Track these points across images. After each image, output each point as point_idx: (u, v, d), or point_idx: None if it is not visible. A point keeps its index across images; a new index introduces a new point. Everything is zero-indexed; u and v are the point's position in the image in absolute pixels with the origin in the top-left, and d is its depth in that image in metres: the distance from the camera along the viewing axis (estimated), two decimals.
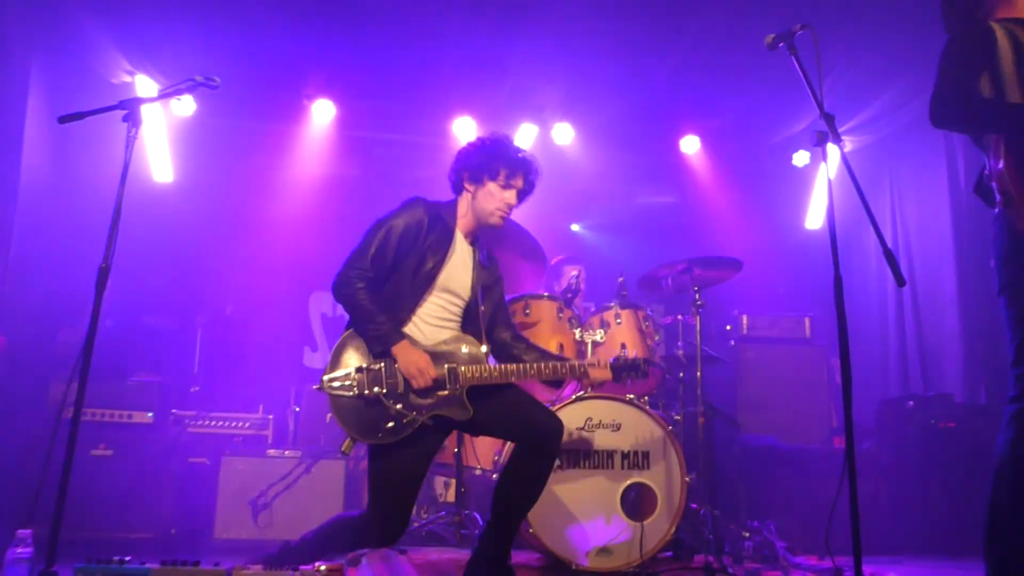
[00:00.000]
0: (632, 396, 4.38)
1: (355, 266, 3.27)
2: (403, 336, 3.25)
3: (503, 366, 3.35)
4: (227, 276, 7.06)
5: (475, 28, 5.76)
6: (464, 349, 3.35)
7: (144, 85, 6.21)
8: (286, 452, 5.27)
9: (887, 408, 5.98)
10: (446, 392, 3.27)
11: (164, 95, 3.46)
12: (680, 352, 5.12)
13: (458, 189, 3.54)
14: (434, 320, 3.38)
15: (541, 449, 3.29)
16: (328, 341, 7.34)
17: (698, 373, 4.68)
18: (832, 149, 7.01)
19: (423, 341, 3.32)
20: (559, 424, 3.32)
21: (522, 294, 4.61)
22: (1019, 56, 2.83)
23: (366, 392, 3.19)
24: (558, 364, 3.46)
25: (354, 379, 3.20)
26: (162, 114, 6.58)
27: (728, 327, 6.46)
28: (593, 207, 7.60)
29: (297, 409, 6.17)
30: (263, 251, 7.10)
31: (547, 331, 4.49)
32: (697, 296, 4.74)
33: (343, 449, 3.22)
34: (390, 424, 3.18)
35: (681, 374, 5.14)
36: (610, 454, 4.18)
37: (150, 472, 5.00)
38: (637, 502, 4.21)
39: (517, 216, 4.56)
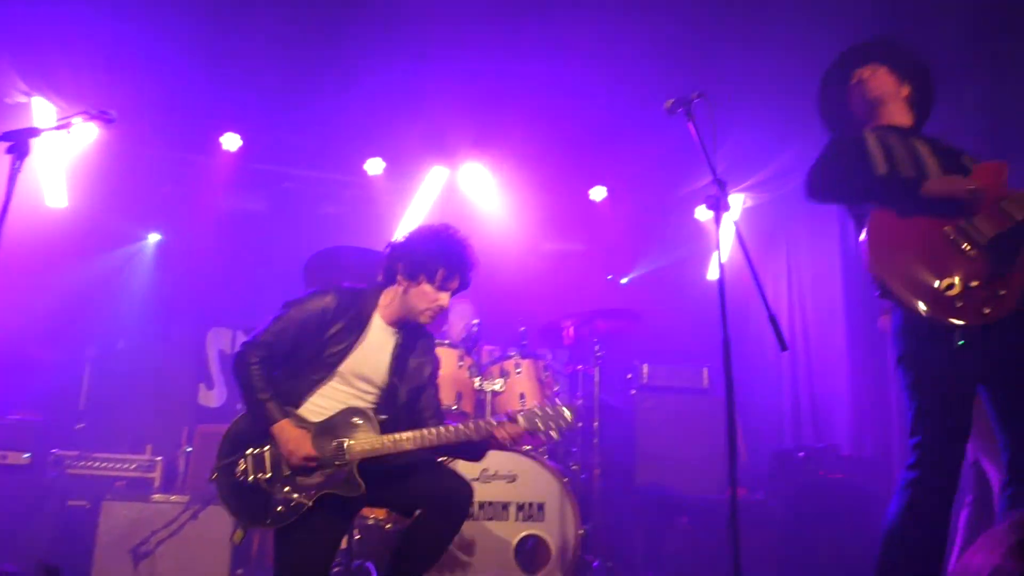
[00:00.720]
0: (529, 447, 4.38)
1: (253, 347, 3.22)
2: (284, 416, 3.16)
3: (396, 436, 3.20)
4: (121, 308, 6.82)
5: (387, 67, 5.74)
6: (357, 422, 3.24)
7: (41, 108, 5.99)
8: (172, 497, 5.04)
9: (779, 459, 6.12)
10: (333, 469, 3.17)
11: (56, 127, 3.33)
12: (579, 402, 5.16)
13: (389, 279, 3.44)
14: (337, 403, 3.30)
15: (448, 516, 3.21)
16: (226, 378, 7.13)
17: (595, 424, 4.72)
18: (734, 203, 7.24)
19: (316, 420, 3.24)
20: (468, 491, 3.23)
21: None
22: (890, 159, 3.04)
23: (250, 478, 3.12)
24: (460, 426, 3.24)
25: (242, 464, 3.14)
26: (59, 139, 6.34)
27: (629, 376, 6.54)
28: (500, 252, 7.61)
29: (189, 450, 5.95)
30: (161, 283, 6.90)
31: (446, 379, 4.44)
32: (597, 347, 4.79)
33: (234, 539, 3.14)
34: (279, 508, 3.10)
35: (579, 424, 5.16)
36: (505, 505, 4.16)
37: (23, 516, 4.73)
38: (531, 554, 4.20)
39: None
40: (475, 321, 4.66)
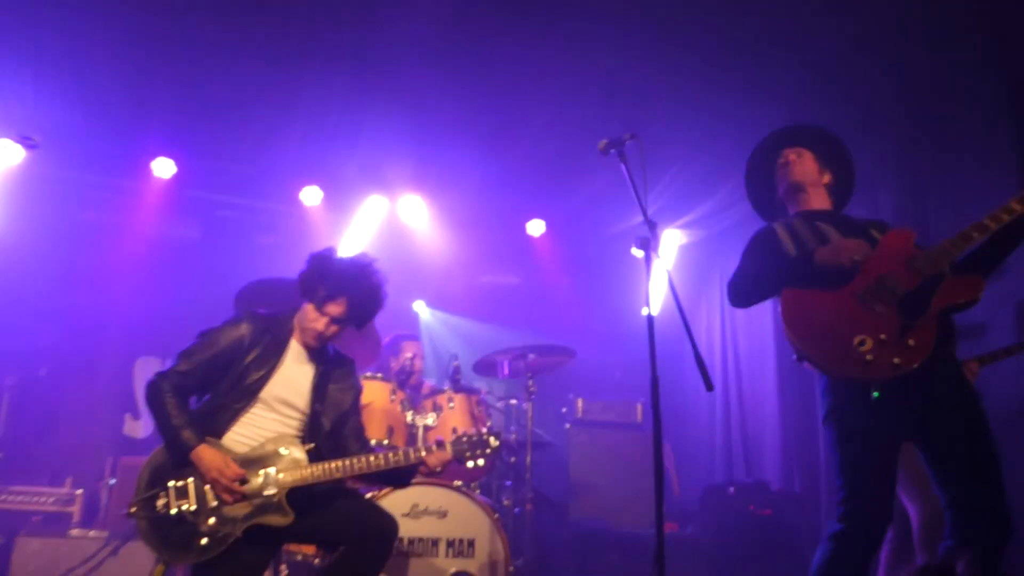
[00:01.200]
0: (460, 482, 4.36)
1: (167, 377, 3.17)
2: (201, 441, 3.10)
3: (324, 464, 3.19)
4: (45, 335, 6.60)
5: (327, 97, 5.72)
6: (284, 451, 3.20)
7: None
8: (91, 532, 4.88)
9: (710, 494, 6.18)
10: (262, 499, 3.12)
11: None
12: (512, 437, 5.15)
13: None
14: (261, 431, 3.25)
15: (372, 552, 3.18)
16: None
17: (528, 459, 4.72)
18: (669, 240, 7.35)
19: (241, 450, 3.18)
20: (393, 527, 3.22)
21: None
22: (798, 243, 3.21)
23: (172, 511, 3.03)
24: (388, 454, 3.28)
25: (161, 498, 3.05)
26: None
27: (564, 410, 6.57)
28: (437, 285, 7.61)
29: (112, 482, 5.77)
30: (88, 311, 6.71)
31: (378, 413, 4.42)
32: (531, 382, 4.80)
33: None
34: (203, 541, 3.02)
35: (512, 459, 5.16)
36: (435, 541, 4.12)
37: None
38: None
39: None
40: (409, 355, 4.64)
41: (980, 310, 5.04)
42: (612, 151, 3.28)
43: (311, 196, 6.92)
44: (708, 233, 7.58)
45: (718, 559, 5.73)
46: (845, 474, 2.95)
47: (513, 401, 5.50)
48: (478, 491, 4.66)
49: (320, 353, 3.43)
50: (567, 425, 6.44)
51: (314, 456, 3.24)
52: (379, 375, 4.62)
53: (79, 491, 5.29)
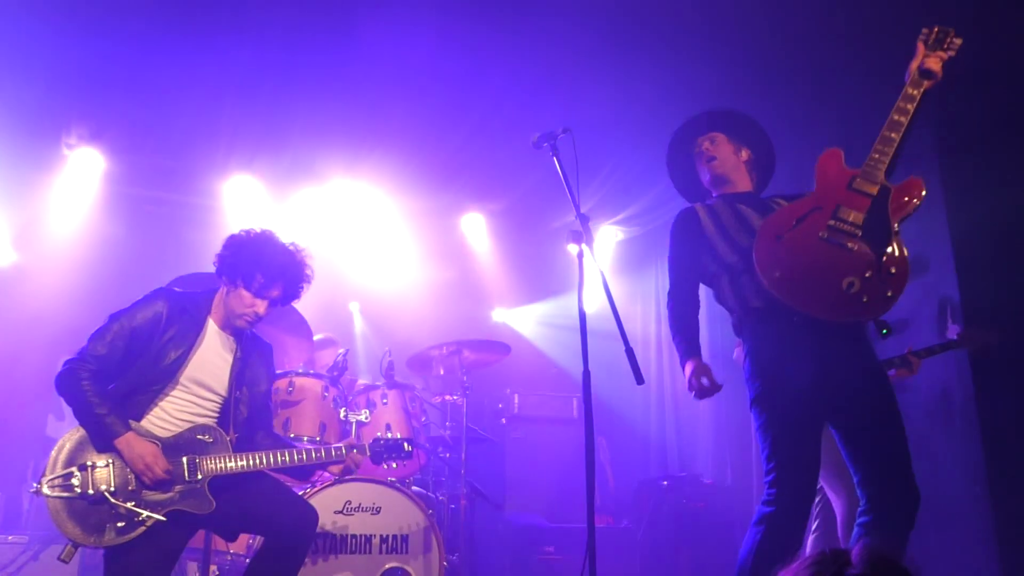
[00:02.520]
0: (394, 479, 4.32)
1: (82, 361, 3.08)
2: (127, 428, 3.02)
3: (248, 455, 3.17)
4: None
5: (257, 87, 5.61)
6: (207, 439, 3.16)
7: None
8: (10, 537, 4.70)
9: (644, 487, 6.26)
10: (184, 486, 3.07)
11: None
12: (447, 433, 5.13)
13: (219, 280, 3.38)
14: (180, 414, 3.19)
15: (291, 546, 3.17)
16: None
17: (463, 454, 4.71)
18: (605, 236, 7.38)
19: (162, 435, 3.12)
20: (313, 518, 3.22)
21: (287, 371, 4.46)
22: (719, 225, 3.28)
23: (90, 492, 2.95)
24: (310, 449, 3.32)
25: (77, 478, 2.96)
26: None
27: (500, 405, 6.57)
28: (371, 280, 7.52)
29: (36, 486, 5.57)
30: (8, 308, 6.46)
31: (310, 410, 4.36)
32: (465, 378, 4.78)
33: (62, 557, 2.94)
34: (120, 524, 2.95)
35: (447, 454, 5.14)
36: (368, 538, 4.08)
37: None
38: None
39: None
40: (341, 351, 4.58)
41: (904, 306, 5.21)
42: (545, 145, 3.29)
43: (239, 186, 6.79)
44: (645, 229, 7.65)
45: (652, 552, 5.80)
46: (772, 457, 2.99)
47: (448, 397, 5.47)
48: (413, 487, 4.63)
49: (239, 336, 3.40)
50: (503, 420, 6.44)
51: (236, 445, 3.22)
52: (311, 372, 4.55)
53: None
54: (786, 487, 2.95)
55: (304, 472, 3.50)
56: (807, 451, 2.99)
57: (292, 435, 4.28)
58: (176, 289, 3.37)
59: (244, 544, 4.39)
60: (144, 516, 2.98)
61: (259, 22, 4.96)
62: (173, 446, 3.10)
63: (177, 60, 5.30)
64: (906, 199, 3.06)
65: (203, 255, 6.66)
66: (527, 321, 8.19)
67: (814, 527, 4.34)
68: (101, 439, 2.99)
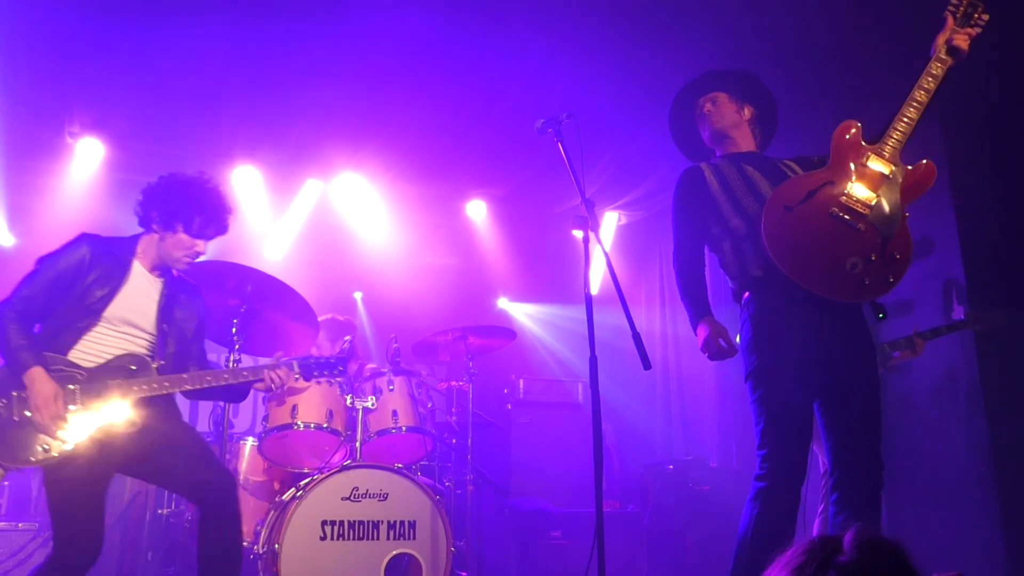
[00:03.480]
0: (400, 464, 4.34)
1: (8, 303, 3.19)
2: (37, 363, 3.08)
3: (164, 377, 3.30)
4: None
5: (259, 75, 5.59)
6: (132, 367, 3.28)
7: None
8: (19, 524, 4.74)
9: (650, 471, 6.27)
10: (105, 408, 3.18)
11: None
12: (453, 419, 5.14)
13: (145, 226, 3.48)
14: (108, 349, 3.29)
15: (218, 514, 3.27)
16: None
17: (469, 440, 4.72)
18: (608, 221, 7.38)
19: (88, 366, 3.22)
20: (230, 483, 3.32)
21: (292, 358, 4.46)
22: (725, 186, 3.23)
23: (15, 416, 3.05)
24: (232, 368, 3.49)
25: (4, 404, 3.07)
26: None
27: (505, 391, 6.58)
28: (376, 267, 7.52)
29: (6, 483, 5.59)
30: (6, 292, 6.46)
31: (317, 396, 4.37)
32: (471, 364, 4.79)
33: None
34: (45, 445, 3.05)
35: (454, 440, 5.15)
36: (376, 524, 4.10)
37: None
38: (402, 573, 4.15)
39: (290, 276, 4.46)
40: (347, 338, 4.58)
41: (908, 287, 5.21)
42: (549, 131, 3.28)
43: (245, 176, 6.79)
44: (647, 214, 7.64)
45: (658, 535, 5.82)
46: (766, 431, 3.01)
47: (454, 383, 5.48)
48: (419, 473, 4.65)
49: (166, 277, 3.51)
50: (508, 406, 6.45)
51: (164, 373, 3.35)
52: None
53: (6, 482, 5.13)
54: (779, 462, 2.98)
55: (231, 392, 3.59)
56: (801, 426, 3.01)
57: (299, 422, 4.29)
58: (98, 236, 3.46)
59: (252, 531, 4.42)
60: (67, 440, 3.08)
61: (261, 9, 4.94)
62: (98, 373, 3.21)
63: (180, 48, 5.29)
64: (919, 183, 3.04)
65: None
66: (532, 308, 8.20)
67: (820, 509, 4.35)
68: (16, 372, 3.09)
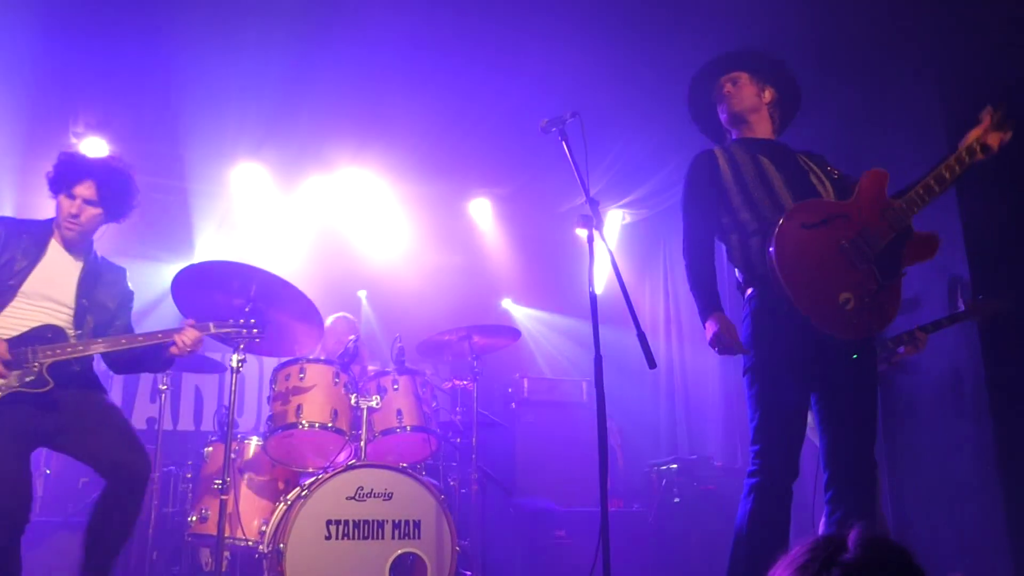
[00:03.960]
0: (405, 464, 4.34)
1: None
2: None
3: (79, 341, 3.42)
4: None
5: (265, 70, 5.59)
6: (50, 335, 3.38)
7: None
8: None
9: (654, 470, 6.27)
10: (23, 370, 3.29)
11: None
12: (457, 418, 5.14)
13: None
14: (28, 322, 3.40)
15: (129, 494, 3.36)
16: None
17: (473, 439, 4.72)
18: (612, 219, 7.36)
19: (8, 335, 3.31)
20: (147, 468, 3.41)
21: (297, 358, 4.47)
22: (738, 176, 3.26)
23: None
24: (144, 333, 3.52)
25: None
26: None
27: (510, 390, 6.58)
28: (380, 266, 7.52)
29: (48, 472, 5.62)
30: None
31: (321, 396, 4.36)
32: (475, 363, 4.79)
33: None
34: None
35: (458, 439, 5.16)
36: (380, 524, 4.11)
37: None
38: (407, 572, 4.15)
39: (296, 276, 4.46)
40: (352, 337, 4.59)
41: (915, 284, 5.19)
42: (553, 129, 3.27)
43: (245, 173, 6.80)
44: (652, 212, 7.63)
45: (663, 534, 5.82)
46: (761, 427, 3.07)
47: (458, 382, 5.48)
48: (424, 472, 4.65)
49: (86, 255, 3.63)
50: (512, 405, 6.45)
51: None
52: (322, 358, 4.56)
53: (47, 470, 5.15)
54: (772, 458, 3.03)
55: (152, 360, 3.65)
56: (794, 424, 3.06)
57: (304, 422, 4.29)
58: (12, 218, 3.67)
59: (256, 531, 4.42)
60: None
61: (264, 10, 4.94)
62: (17, 341, 3.32)
63: (183, 48, 5.29)
64: (921, 252, 3.16)
65: (209, 243, 6.74)
66: (535, 304, 8.19)
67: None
68: None
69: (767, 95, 3.44)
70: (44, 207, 5.87)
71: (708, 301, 3.22)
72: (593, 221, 3.15)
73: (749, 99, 3.40)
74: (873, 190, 3.15)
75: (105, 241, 6.53)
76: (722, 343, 3.13)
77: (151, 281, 5.87)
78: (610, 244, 3.22)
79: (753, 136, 3.39)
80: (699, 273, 3.27)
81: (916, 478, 5.04)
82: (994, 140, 3.23)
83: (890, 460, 5.21)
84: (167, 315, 5.27)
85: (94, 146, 6.36)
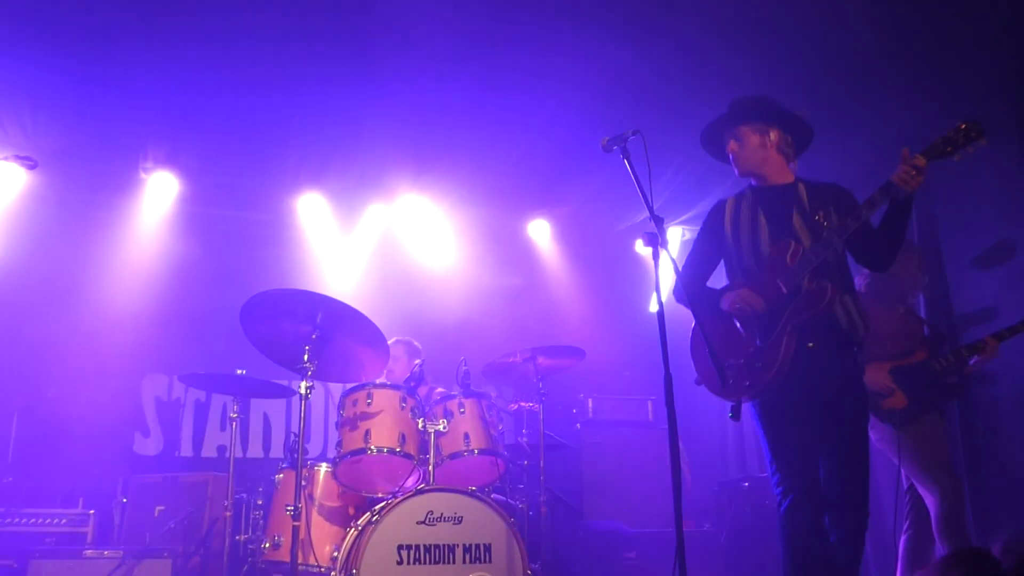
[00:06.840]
0: (474, 487, 4.33)
1: None
2: None
3: None
4: (52, 357, 6.56)
5: (326, 102, 5.69)
6: None
7: None
8: (106, 552, 4.84)
9: (724, 489, 6.16)
10: None
11: None
12: (524, 440, 5.13)
13: None
14: None
15: None
16: (162, 426, 6.91)
17: (541, 461, 4.69)
18: (672, 237, 7.32)
19: None
20: None
21: (364, 383, 4.50)
22: (735, 231, 3.53)
23: None
24: None
25: None
26: None
27: (575, 410, 6.53)
28: (442, 290, 7.55)
29: (124, 500, 5.74)
30: (93, 331, 6.67)
31: (389, 421, 4.38)
32: (540, 384, 4.77)
33: None
34: None
35: (525, 462, 5.13)
36: (451, 548, 4.09)
37: None
38: None
39: (358, 301, 4.50)
40: (417, 361, 4.61)
41: (990, 294, 5.03)
42: (615, 148, 3.26)
43: (309, 204, 6.93)
44: None
45: (736, 555, 5.71)
46: (775, 460, 3.31)
47: (524, 404, 5.47)
48: (493, 495, 4.63)
49: None
50: (578, 425, 6.40)
51: None
52: (388, 383, 4.59)
53: (91, 511, 5.27)
54: (791, 487, 3.23)
55: None
56: (804, 450, 3.27)
57: (373, 447, 4.30)
58: None
59: (328, 557, 4.44)
60: None
61: (326, 44, 5.03)
62: None
63: (246, 81, 5.43)
64: (808, 305, 3.29)
65: (274, 271, 6.86)
66: (597, 325, 8.11)
67: (906, 527, 4.23)
68: None
69: (773, 136, 3.53)
70: (111, 239, 6.07)
71: (714, 294, 3.52)
72: (658, 239, 3.13)
73: (753, 154, 3.54)
74: (778, 258, 3.37)
75: (178, 271, 6.74)
76: (743, 299, 3.34)
77: (222, 311, 5.98)
78: (672, 263, 3.23)
79: (765, 184, 3.55)
80: (697, 302, 3.50)
81: (998, 493, 4.87)
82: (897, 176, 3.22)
83: (971, 473, 5.04)
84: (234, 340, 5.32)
85: (163, 180, 6.56)
